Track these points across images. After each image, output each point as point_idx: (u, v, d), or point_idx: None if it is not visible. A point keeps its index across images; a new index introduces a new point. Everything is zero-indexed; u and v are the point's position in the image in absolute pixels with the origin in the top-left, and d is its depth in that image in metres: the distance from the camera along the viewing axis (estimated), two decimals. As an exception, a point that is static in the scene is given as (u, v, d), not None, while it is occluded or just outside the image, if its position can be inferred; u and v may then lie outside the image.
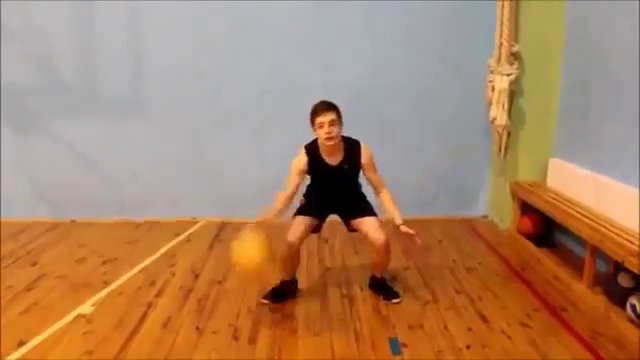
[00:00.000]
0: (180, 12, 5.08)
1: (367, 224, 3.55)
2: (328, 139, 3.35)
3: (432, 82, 5.23)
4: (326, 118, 3.33)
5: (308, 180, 3.60)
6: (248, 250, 3.07)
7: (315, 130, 3.40)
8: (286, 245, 3.48)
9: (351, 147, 3.49)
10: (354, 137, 3.54)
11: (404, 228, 3.43)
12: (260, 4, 5.07)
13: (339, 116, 3.39)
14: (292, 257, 3.57)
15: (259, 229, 3.14)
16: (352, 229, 3.69)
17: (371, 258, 3.74)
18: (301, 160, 3.47)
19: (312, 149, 3.48)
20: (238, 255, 3.10)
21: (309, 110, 3.42)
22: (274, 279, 3.60)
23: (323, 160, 3.47)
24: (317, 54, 5.18)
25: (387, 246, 3.51)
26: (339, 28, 5.16)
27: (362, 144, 3.53)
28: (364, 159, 3.51)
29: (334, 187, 3.56)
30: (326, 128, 3.33)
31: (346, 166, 3.49)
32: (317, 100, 3.45)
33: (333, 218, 3.69)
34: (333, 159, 3.48)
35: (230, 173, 5.39)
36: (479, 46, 4.96)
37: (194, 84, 5.23)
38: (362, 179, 3.63)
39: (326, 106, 3.37)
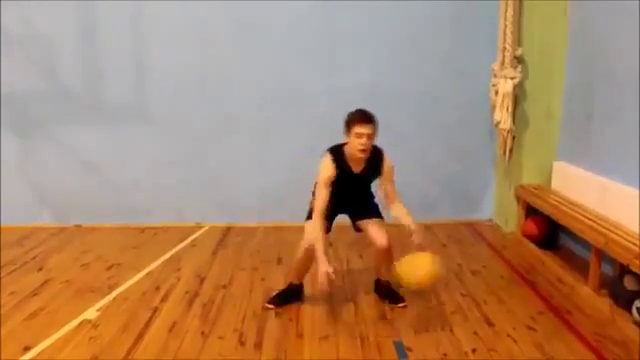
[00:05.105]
0: (183, 18, 5.11)
1: (371, 225, 3.56)
2: (362, 151, 3.31)
3: (436, 86, 5.25)
4: (366, 130, 3.28)
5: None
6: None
7: (349, 137, 3.34)
8: (303, 250, 3.47)
9: (375, 156, 3.44)
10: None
11: (417, 239, 3.39)
12: (263, 10, 5.09)
13: (376, 129, 3.35)
14: (308, 262, 3.53)
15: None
16: (358, 229, 3.70)
17: (374, 258, 3.76)
18: (329, 167, 3.36)
19: (338, 154, 3.40)
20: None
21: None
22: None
23: (348, 167, 3.43)
24: (320, 59, 5.19)
25: (388, 249, 3.52)
26: (342, 33, 5.18)
27: (385, 156, 3.48)
28: (386, 172, 3.48)
29: (349, 191, 3.52)
30: (363, 140, 3.27)
31: (367, 174, 3.48)
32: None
33: (338, 223, 3.69)
34: (357, 167, 3.44)
35: (234, 178, 5.39)
36: (482, 50, 4.98)
37: (197, 90, 5.26)
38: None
39: (368, 117, 3.32)
